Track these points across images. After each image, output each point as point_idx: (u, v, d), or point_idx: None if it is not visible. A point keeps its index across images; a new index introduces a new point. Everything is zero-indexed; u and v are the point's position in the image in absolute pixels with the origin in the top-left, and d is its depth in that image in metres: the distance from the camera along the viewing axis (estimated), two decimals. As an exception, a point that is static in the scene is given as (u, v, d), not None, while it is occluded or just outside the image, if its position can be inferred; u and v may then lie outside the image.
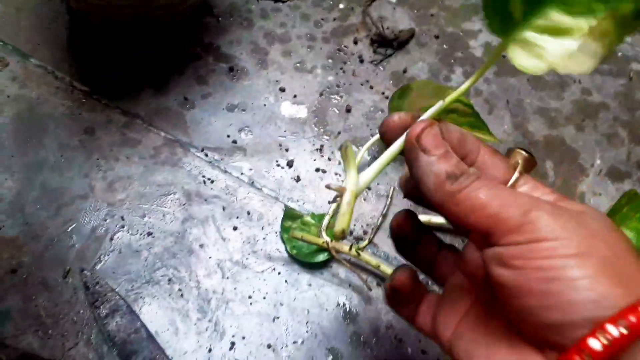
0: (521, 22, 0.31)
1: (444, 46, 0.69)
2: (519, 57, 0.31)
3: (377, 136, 0.55)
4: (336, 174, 0.58)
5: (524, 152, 0.33)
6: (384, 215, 0.56)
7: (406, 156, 0.32)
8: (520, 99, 0.66)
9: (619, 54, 0.71)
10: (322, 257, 0.51)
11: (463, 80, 0.67)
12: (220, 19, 0.67)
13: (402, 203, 0.57)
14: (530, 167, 0.32)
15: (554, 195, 0.30)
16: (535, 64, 0.31)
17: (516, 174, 0.31)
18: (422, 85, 0.58)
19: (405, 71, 0.67)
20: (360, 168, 0.57)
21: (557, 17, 0.30)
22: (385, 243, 0.55)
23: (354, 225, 0.55)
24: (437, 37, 0.70)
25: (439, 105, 0.33)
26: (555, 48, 0.30)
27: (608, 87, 0.69)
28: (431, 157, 0.29)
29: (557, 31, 0.30)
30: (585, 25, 0.29)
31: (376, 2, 0.72)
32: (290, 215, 0.53)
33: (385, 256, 0.54)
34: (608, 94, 0.69)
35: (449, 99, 0.35)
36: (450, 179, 0.29)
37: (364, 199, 0.57)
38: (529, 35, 0.31)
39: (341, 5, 0.71)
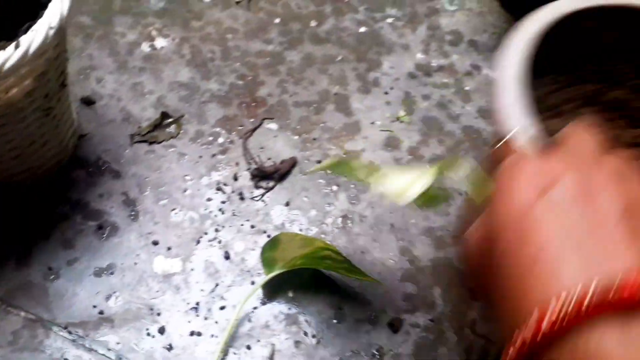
0: None
1: (327, 172, 0.68)
2: None
3: (257, 287, 0.54)
4: (212, 335, 0.55)
5: None
6: (262, 382, 0.53)
7: None
8: (405, 220, 0.65)
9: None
10: None
11: (347, 207, 0.65)
12: (90, 170, 0.65)
13: (282, 359, 0.55)
14: None
15: None
16: None
17: None
18: (290, 237, 0.57)
19: (288, 204, 0.65)
20: (239, 324, 0.55)
21: None
22: (265, 412, 0.51)
23: (231, 395, 0.52)
24: (320, 162, 0.69)
25: None
26: None
27: (494, 196, 0.69)
28: None
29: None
30: None
31: (258, 131, 0.71)
32: (155, 400, 0.50)
33: None
34: (494, 205, 0.68)
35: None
36: None
37: (244, 360, 0.54)
38: None
39: (220, 140, 0.69)
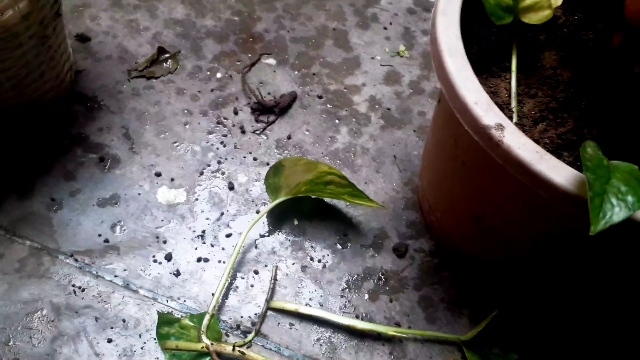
0: None
1: (328, 106, 0.68)
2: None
3: (263, 214, 0.54)
4: (220, 261, 0.55)
5: None
6: (268, 301, 0.53)
7: None
8: (407, 152, 0.65)
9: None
10: (202, 363, 0.48)
11: (349, 140, 0.65)
12: (88, 105, 0.64)
13: (290, 282, 0.55)
14: None
15: None
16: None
17: None
18: (294, 162, 0.57)
19: (289, 137, 0.65)
20: (245, 251, 0.55)
21: None
22: (275, 332, 0.52)
23: (241, 317, 0.53)
24: (320, 97, 0.68)
25: None
26: None
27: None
28: None
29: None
30: None
31: (256, 66, 0.70)
32: (165, 320, 0.50)
33: (276, 348, 0.51)
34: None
35: None
36: None
37: (252, 285, 0.55)
38: None
39: (219, 75, 0.68)
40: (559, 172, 0.36)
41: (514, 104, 0.45)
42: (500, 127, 0.38)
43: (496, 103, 0.47)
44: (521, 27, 0.47)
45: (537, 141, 0.45)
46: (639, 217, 0.34)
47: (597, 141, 0.37)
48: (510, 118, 0.45)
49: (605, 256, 0.46)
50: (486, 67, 0.48)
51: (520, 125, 0.45)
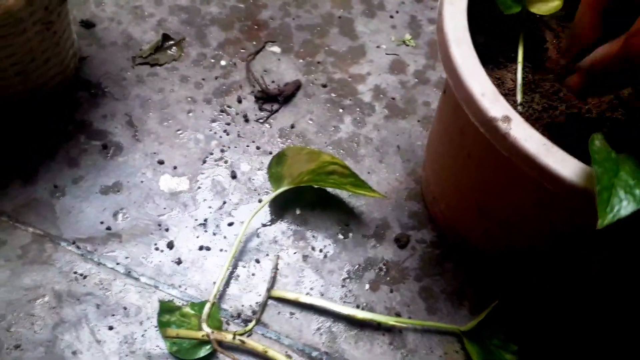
0: None
1: (332, 95, 0.67)
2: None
3: (265, 203, 0.54)
4: (221, 250, 0.55)
5: None
6: (269, 290, 0.53)
7: None
8: (411, 142, 0.65)
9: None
10: (203, 351, 0.48)
11: (353, 129, 0.65)
12: (92, 91, 0.63)
13: (291, 271, 0.55)
14: None
15: None
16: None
17: None
18: (296, 151, 0.57)
19: (293, 126, 0.64)
20: (247, 240, 0.55)
21: None
22: (275, 321, 0.52)
23: (242, 305, 0.53)
24: (324, 85, 0.68)
25: None
26: None
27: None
28: None
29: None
30: None
31: (260, 54, 0.70)
32: (166, 308, 0.50)
33: (277, 336, 0.51)
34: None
35: None
36: None
37: (253, 274, 0.55)
38: None
39: (223, 62, 0.68)
40: (567, 165, 0.36)
41: (519, 95, 0.45)
42: (507, 119, 0.38)
43: (502, 94, 0.46)
44: (529, 18, 0.46)
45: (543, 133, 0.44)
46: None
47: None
48: (516, 109, 0.45)
49: (612, 252, 0.46)
50: (492, 57, 0.48)
51: (526, 116, 0.45)
